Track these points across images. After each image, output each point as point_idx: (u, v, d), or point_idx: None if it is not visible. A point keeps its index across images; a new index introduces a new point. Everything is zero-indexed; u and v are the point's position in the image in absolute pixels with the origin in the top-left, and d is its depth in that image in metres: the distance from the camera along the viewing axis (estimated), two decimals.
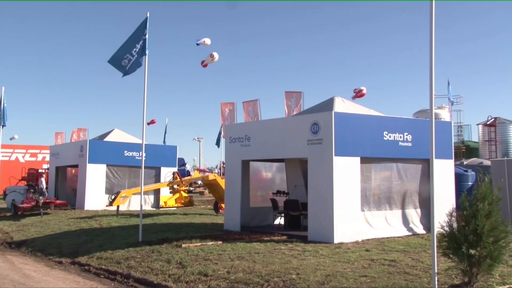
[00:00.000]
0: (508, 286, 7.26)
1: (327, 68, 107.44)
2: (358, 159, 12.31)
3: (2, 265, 11.35)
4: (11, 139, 41.65)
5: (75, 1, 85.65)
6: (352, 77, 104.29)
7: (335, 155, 11.80)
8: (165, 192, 23.30)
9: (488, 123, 39.25)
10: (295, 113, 24.39)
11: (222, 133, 32.37)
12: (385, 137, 12.93)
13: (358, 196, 12.29)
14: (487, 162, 26.17)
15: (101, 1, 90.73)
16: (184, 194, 22.77)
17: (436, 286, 6.65)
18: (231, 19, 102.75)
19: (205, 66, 21.90)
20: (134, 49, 12.68)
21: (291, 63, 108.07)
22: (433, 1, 7.11)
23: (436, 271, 6.74)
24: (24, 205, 20.43)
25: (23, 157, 43.54)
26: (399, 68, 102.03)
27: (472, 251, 6.81)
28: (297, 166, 15.71)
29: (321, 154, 12.06)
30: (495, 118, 39.28)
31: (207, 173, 31.14)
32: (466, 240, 6.85)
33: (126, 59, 12.69)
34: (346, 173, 12.01)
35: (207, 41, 20.99)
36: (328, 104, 13.38)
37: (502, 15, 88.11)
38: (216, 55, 21.03)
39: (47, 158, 33.09)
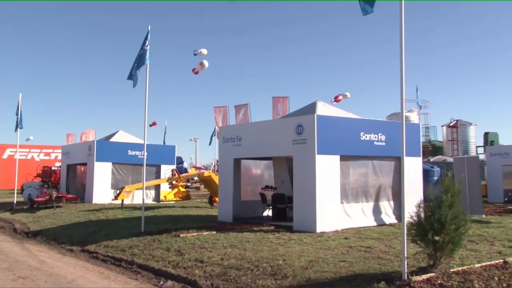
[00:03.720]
0: (466, 267, 7.37)
1: (310, 76, 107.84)
2: (338, 157, 12.35)
3: (21, 252, 11.31)
4: (27, 140, 41.45)
5: (78, 1, 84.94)
6: (332, 83, 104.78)
7: (317, 154, 11.83)
8: (165, 187, 23.25)
9: (451, 125, 39.67)
10: (281, 115, 24.41)
11: (216, 134, 32.30)
12: (362, 137, 12.99)
13: (338, 190, 12.34)
14: (450, 159, 26.45)
15: (109, 14, 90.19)
16: (182, 189, 22.71)
17: (406, 269, 6.71)
18: (225, 31, 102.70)
19: (196, 73, 21.70)
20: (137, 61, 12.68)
21: (278, 71, 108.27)
22: (402, 15, 7.18)
23: (405, 255, 6.79)
24: (39, 199, 20.40)
25: (38, 156, 43.26)
26: (374, 75, 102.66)
27: (436, 238, 6.87)
28: (284, 164, 15.73)
29: (305, 153, 12.10)
30: (457, 120, 39.72)
31: (202, 170, 31.05)
32: (431, 228, 6.90)
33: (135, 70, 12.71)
34: (327, 169, 12.06)
35: (204, 51, 20.86)
36: (311, 108, 13.42)
37: (465, 27, 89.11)
38: (206, 63, 20.83)
39: (59, 157, 32.82)
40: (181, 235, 11.17)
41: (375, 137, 13.23)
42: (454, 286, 6.30)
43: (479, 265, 7.56)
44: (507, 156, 23.67)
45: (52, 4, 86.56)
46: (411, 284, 6.35)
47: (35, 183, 24.42)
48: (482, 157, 29.66)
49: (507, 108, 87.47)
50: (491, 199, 23.30)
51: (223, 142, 15.06)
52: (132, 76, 12.75)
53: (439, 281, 6.49)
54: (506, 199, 23.41)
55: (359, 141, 12.90)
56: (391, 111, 35.47)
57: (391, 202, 13.83)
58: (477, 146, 39.33)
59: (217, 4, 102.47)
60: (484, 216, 15.49)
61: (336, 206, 12.26)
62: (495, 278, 6.79)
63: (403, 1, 7.17)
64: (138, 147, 22.86)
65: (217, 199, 17.76)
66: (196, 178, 30.62)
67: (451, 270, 7.09)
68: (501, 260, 7.95)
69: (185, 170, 38.72)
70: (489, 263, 7.75)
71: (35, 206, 20.25)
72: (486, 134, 38.19)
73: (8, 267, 9.39)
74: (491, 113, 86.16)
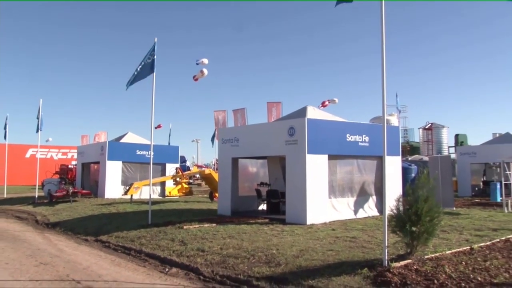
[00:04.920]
0: (439, 253, 7.44)
1: (301, 83, 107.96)
2: (326, 156, 12.34)
3: (42, 241, 11.31)
4: (46, 141, 41.61)
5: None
6: (322, 90, 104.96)
7: (307, 153, 11.83)
8: (169, 184, 23.18)
9: (426, 127, 39.93)
10: (275, 119, 24.39)
11: (216, 135, 32.19)
12: (348, 138, 12.99)
13: (326, 186, 12.33)
14: (426, 158, 26.61)
15: (119, 30, 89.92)
16: (185, 185, 22.70)
17: (386, 256, 6.73)
18: (225, 44, 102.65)
19: (196, 80, 21.57)
20: (140, 66, 12.63)
21: (273, 78, 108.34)
22: (383, 31, 7.22)
23: (386, 244, 6.82)
24: (58, 194, 20.47)
25: (56, 155, 43.16)
26: (359, 83, 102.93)
27: (413, 228, 6.91)
28: (277, 163, 15.72)
29: (296, 152, 12.08)
30: (432, 123, 40.01)
31: (203, 168, 31.00)
32: (409, 220, 6.94)
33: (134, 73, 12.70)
34: (317, 167, 12.05)
35: (205, 61, 20.83)
36: (302, 112, 13.39)
37: (438, 41, 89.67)
38: (205, 71, 20.73)
39: (75, 156, 32.69)
40: (184, 227, 11.14)
41: (360, 138, 13.24)
42: (428, 271, 6.34)
43: (449, 252, 7.65)
44: (475, 155, 23.95)
45: (68, 20, 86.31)
46: (391, 270, 6.38)
47: (54, 180, 24.42)
48: (453, 156, 29.86)
49: (475, 112, 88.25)
50: (461, 193, 23.51)
51: (222, 142, 15.02)
52: (134, 82, 12.71)
53: (415, 267, 6.54)
54: (473, 193, 23.70)
55: (345, 142, 12.91)
56: (373, 115, 35.66)
57: (374, 197, 13.85)
58: (449, 146, 39.61)
59: (218, 17, 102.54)
60: (454, 208, 15.60)
61: (325, 201, 12.25)
62: (463, 262, 6.90)
63: (383, 12, 7.21)
64: (146, 147, 22.79)
65: (217, 194, 17.71)
66: (198, 175, 30.46)
67: (425, 256, 7.15)
68: (468, 247, 8.09)
69: (188, 169, 38.62)
70: (458, 250, 7.87)
71: (54, 200, 20.25)
72: (456, 135, 38.46)
73: (31, 254, 9.44)
74: (461, 116, 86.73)
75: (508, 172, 17.09)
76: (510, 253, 7.80)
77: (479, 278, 6.06)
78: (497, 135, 30.36)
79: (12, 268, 8.10)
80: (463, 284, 5.79)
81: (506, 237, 9.40)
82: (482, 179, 25.91)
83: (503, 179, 16.86)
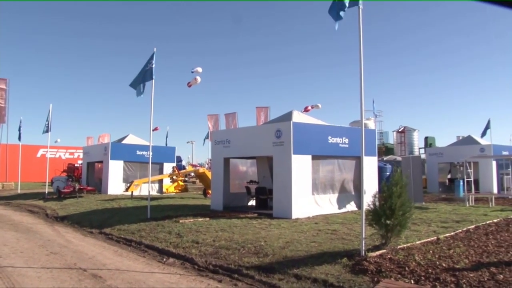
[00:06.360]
0: (410, 243, 7.53)
1: (287, 88, 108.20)
2: (309, 156, 12.35)
3: (52, 233, 11.19)
4: (55, 142, 41.16)
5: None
6: (306, 96, 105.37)
7: (293, 154, 11.84)
8: (166, 181, 23.01)
9: (399, 130, 40.33)
10: (263, 122, 24.40)
11: (209, 137, 32.07)
12: (329, 140, 13.02)
13: (310, 183, 12.34)
14: (399, 158, 26.89)
15: (122, 41, 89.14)
16: (181, 183, 22.54)
17: (364, 247, 6.78)
18: (218, 53, 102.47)
19: (189, 86, 21.52)
20: (145, 75, 12.54)
21: (261, 85, 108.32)
22: (361, 45, 7.28)
23: (364, 236, 6.87)
24: (65, 190, 20.33)
25: (64, 155, 42.70)
26: (340, 89, 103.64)
27: (388, 222, 6.98)
28: (265, 162, 15.72)
29: (283, 153, 12.09)
30: (404, 127, 40.42)
31: (198, 167, 30.85)
32: (384, 214, 7.00)
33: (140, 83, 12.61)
34: (301, 167, 12.06)
35: (199, 69, 20.84)
36: (288, 116, 13.41)
37: (411, 52, 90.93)
38: (198, 78, 20.72)
39: (81, 156, 32.30)
40: (180, 221, 11.07)
41: (340, 140, 13.28)
42: (400, 259, 6.41)
43: (419, 242, 7.76)
44: (442, 155, 24.37)
45: (76, 31, 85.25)
46: (367, 259, 6.43)
47: (62, 177, 24.23)
48: (423, 156, 30.23)
49: (442, 117, 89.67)
50: (430, 189, 23.85)
51: (215, 144, 14.95)
52: (138, 89, 12.66)
53: (389, 256, 6.61)
54: (440, 189, 24.07)
55: (327, 143, 12.94)
56: (353, 119, 35.85)
57: (353, 193, 13.87)
58: (419, 148, 40.07)
59: (212, 29, 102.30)
60: (424, 203, 15.80)
61: (308, 197, 12.27)
62: (430, 251, 7.02)
63: (361, 29, 7.27)
64: (145, 148, 22.63)
65: (210, 191, 17.65)
66: (192, 174, 30.32)
67: (398, 247, 7.23)
68: (435, 238, 8.23)
69: (183, 167, 38.37)
70: (426, 240, 7.99)
71: (62, 196, 20.08)
72: (426, 138, 38.95)
73: (43, 244, 9.39)
74: (430, 121, 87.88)
75: (469, 171, 17.39)
76: (470, 241, 7.98)
77: (444, 265, 6.17)
78: (461, 137, 30.85)
79: (26, 256, 8.10)
80: (430, 270, 5.87)
81: (467, 228, 9.63)
82: (448, 177, 26.33)
83: (465, 177, 17.16)
